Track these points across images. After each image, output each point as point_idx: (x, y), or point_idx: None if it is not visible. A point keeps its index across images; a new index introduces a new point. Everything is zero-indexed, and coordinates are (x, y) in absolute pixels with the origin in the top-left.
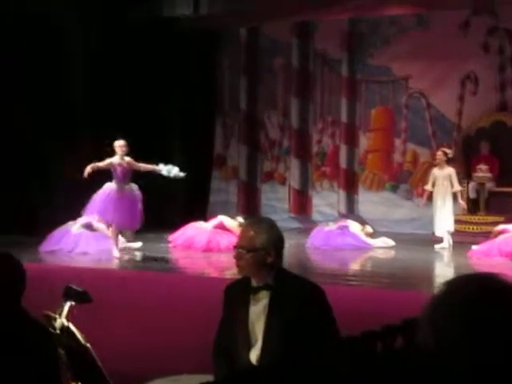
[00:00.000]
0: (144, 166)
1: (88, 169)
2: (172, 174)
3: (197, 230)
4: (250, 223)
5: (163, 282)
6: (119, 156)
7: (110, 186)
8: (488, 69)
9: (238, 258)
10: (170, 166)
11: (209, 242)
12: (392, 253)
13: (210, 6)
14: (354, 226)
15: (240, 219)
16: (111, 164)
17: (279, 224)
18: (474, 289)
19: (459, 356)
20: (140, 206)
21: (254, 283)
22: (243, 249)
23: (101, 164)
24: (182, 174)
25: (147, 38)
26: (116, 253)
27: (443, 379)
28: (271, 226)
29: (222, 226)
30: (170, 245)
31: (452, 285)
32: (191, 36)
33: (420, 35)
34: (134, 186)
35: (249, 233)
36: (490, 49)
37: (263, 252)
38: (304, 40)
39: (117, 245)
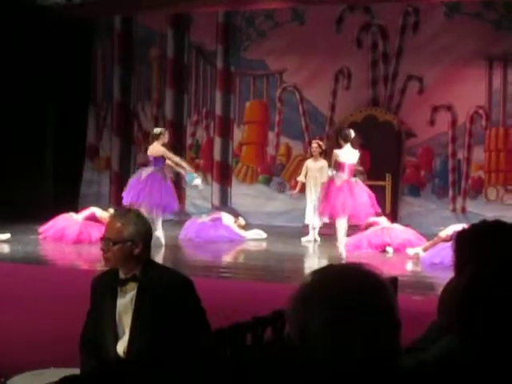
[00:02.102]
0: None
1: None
2: (193, 183)
3: (68, 222)
4: (117, 215)
5: (32, 275)
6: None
7: (161, 173)
8: (361, 64)
9: (104, 249)
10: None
11: (80, 234)
12: (264, 245)
13: None
14: (226, 219)
15: (112, 211)
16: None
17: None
18: (338, 280)
19: (322, 347)
20: None
21: (121, 275)
22: (110, 240)
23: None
24: (200, 184)
25: (19, 27)
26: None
27: (306, 372)
28: (139, 217)
29: (93, 218)
30: (40, 236)
31: (316, 276)
32: (65, 25)
33: (295, 30)
34: None
35: (116, 224)
36: (363, 45)
37: (130, 243)
38: (179, 31)
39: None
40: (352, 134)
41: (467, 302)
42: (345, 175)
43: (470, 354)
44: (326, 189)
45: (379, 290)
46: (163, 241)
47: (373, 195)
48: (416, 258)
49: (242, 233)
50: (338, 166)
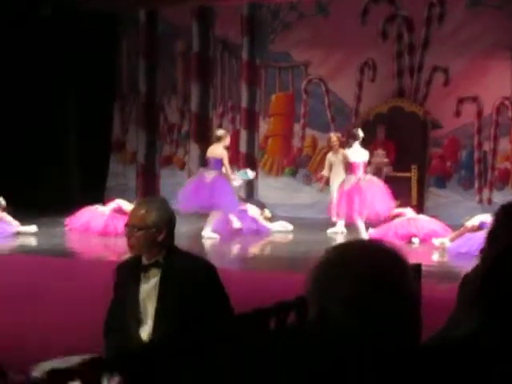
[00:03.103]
0: None
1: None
2: (249, 177)
3: (93, 214)
4: (142, 202)
5: (59, 267)
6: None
7: (224, 175)
8: (386, 56)
9: (128, 236)
10: (242, 172)
11: (106, 226)
12: (290, 237)
13: None
14: (252, 210)
15: None
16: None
17: (178, 209)
18: (358, 256)
19: (342, 322)
20: None
21: (144, 261)
22: (134, 227)
23: None
24: (251, 174)
25: (44, 20)
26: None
27: (324, 350)
28: (163, 204)
29: (119, 210)
30: (66, 228)
31: (336, 252)
32: (89, 19)
33: (320, 22)
34: None
35: (140, 211)
36: (388, 36)
37: (154, 230)
38: (204, 25)
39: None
40: (360, 133)
41: (490, 279)
42: (357, 175)
43: (489, 335)
44: (338, 195)
45: (396, 264)
46: (240, 224)
47: (384, 188)
48: (442, 249)
49: (268, 225)
50: (349, 167)
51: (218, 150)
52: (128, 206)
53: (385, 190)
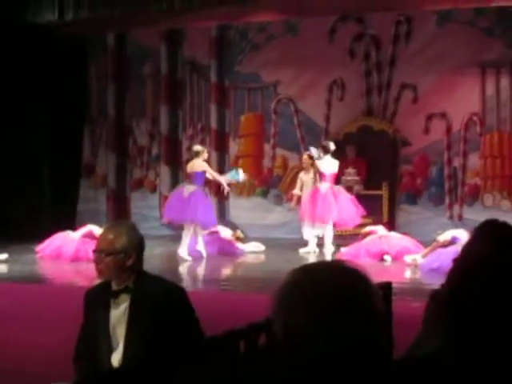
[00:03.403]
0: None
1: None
2: (239, 177)
3: (65, 240)
4: (110, 226)
5: (31, 294)
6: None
7: (203, 190)
8: (354, 74)
9: (97, 261)
10: (233, 173)
11: (77, 251)
12: (262, 257)
13: (75, 11)
14: (224, 232)
15: None
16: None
17: (150, 232)
18: (321, 278)
19: (307, 345)
20: None
21: (114, 286)
22: (102, 252)
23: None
24: (242, 175)
25: (11, 46)
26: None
27: (291, 372)
28: (131, 228)
29: (91, 235)
30: (37, 255)
31: (299, 274)
32: (58, 42)
33: (288, 42)
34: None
35: (108, 236)
36: (356, 55)
37: (123, 255)
38: (173, 47)
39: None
40: (331, 145)
41: (457, 296)
42: (327, 184)
43: (455, 352)
44: (311, 196)
45: (361, 283)
46: (204, 253)
47: (354, 199)
48: (414, 265)
49: (241, 246)
50: (320, 176)
51: (197, 164)
52: (99, 231)
53: (354, 201)
